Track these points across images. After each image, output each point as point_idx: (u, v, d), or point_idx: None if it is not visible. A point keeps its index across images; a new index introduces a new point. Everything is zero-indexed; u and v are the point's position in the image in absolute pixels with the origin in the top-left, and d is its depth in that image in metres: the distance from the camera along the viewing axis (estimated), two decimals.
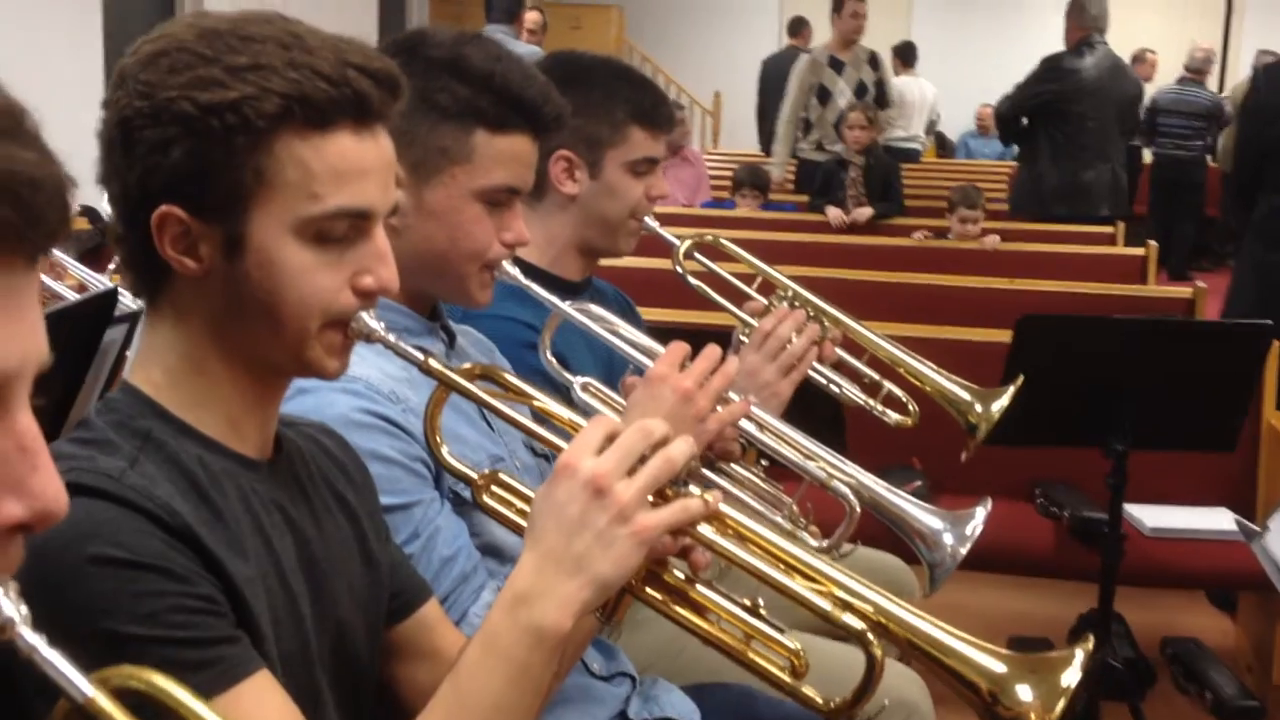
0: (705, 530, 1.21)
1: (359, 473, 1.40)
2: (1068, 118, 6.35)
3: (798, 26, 10.33)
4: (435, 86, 1.63)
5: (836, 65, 7.30)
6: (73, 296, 2.33)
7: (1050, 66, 6.47)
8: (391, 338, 1.25)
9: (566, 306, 1.75)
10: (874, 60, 7.38)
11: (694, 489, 1.22)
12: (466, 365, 1.35)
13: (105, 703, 0.67)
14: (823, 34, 8.61)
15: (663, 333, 2.28)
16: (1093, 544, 3.18)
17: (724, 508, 1.25)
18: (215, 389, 1.20)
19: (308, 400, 1.49)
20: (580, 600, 1.14)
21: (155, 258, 1.15)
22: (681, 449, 1.18)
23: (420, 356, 1.28)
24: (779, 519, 1.71)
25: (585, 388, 1.73)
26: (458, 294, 1.71)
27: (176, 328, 1.19)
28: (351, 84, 1.13)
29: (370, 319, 1.22)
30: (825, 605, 1.22)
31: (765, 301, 2.12)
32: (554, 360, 1.78)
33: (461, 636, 1.43)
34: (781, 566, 1.26)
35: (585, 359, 2.00)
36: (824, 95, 7.28)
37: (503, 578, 1.59)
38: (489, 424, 1.71)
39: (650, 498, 1.17)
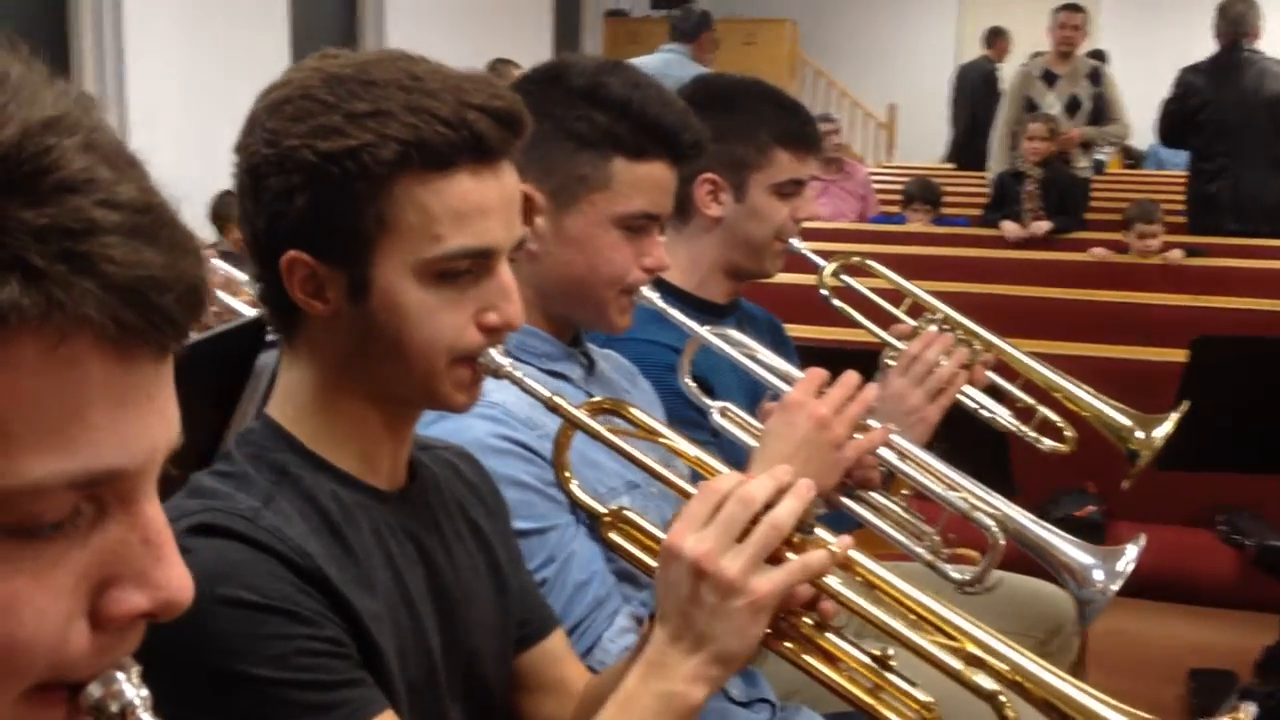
0: (832, 581, 1.20)
1: (492, 497, 1.42)
2: (1215, 128, 6.06)
3: (993, 37, 10.24)
4: (574, 115, 1.65)
5: (1049, 78, 7.10)
6: (249, 312, 2.43)
7: (1179, 81, 6.22)
8: (518, 374, 1.25)
9: (704, 331, 1.75)
10: (1095, 75, 7.12)
11: (825, 534, 1.21)
12: (594, 399, 1.36)
13: None
14: (1023, 45, 8.46)
15: (811, 351, 2.27)
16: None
17: (855, 555, 1.23)
18: (347, 424, 1.22)
19: (446, 425, 1.52)
20: (707, 676, 1.15)
21: (287, 299, 1.18)
22: (789, 509, 1.16)
23: (546, 393, 1.28)
24: (921, 550, 1.67)
25: (723, 413, 1.73)
26: (597, 319, 1.72)
27: (310, 364, 1.22)
28: (470, 126, 1.14)
29: (498, 355, 1.23)
30: (955, 664, 1.19)
31: (913, 324, 2.08)
32: (693, 384, 1.78)
33: (586, 672, 1.44)
34: (913, 618, 1.23)
35: (730, 382, 1.99)
36: (1030, 108, 7.10)
37: (637, 603, 1.60)
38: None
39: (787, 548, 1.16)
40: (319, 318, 1.19)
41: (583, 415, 1.29)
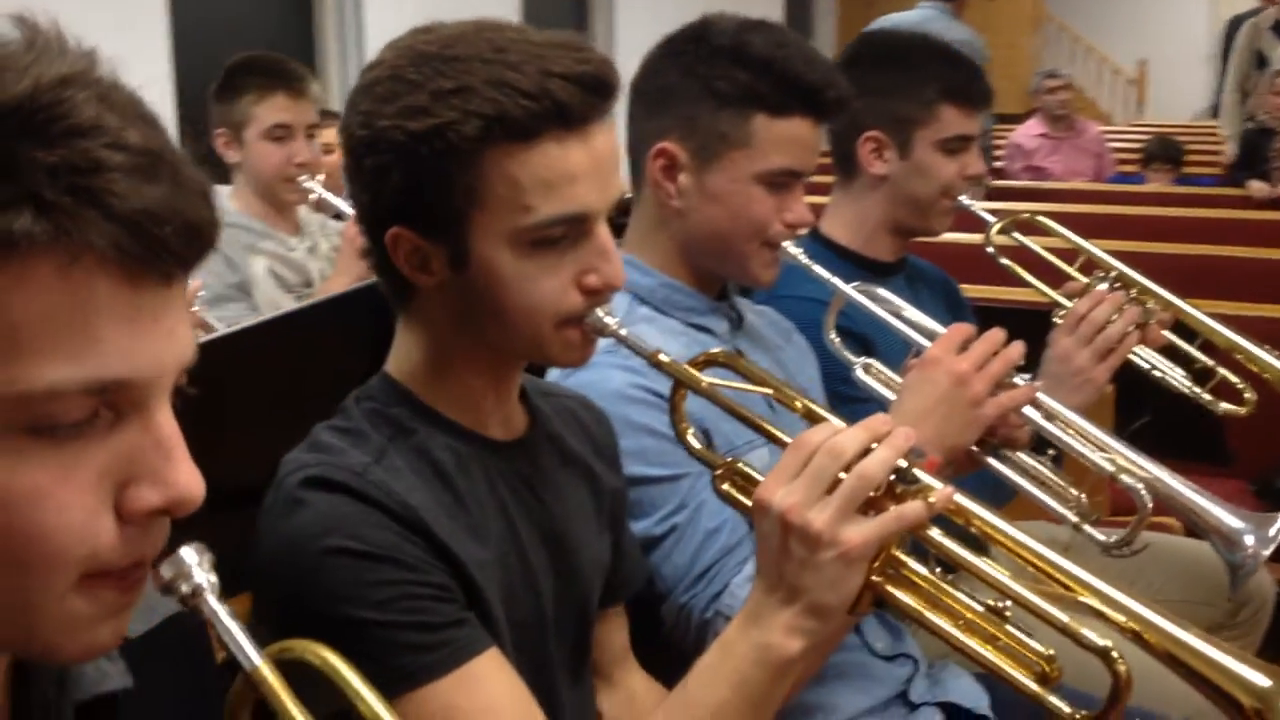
0: (934, 533, 1.19)
1: (610, 450, 1.47)
2: None
3: None
4: (717, 73, 1.67)
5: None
6: None
7: None
8: (624, 332, 1.27)
9: (848, 288, 1.75)
10: None
11: (931, 483, 1.20)
12: (706, 351, 1.38)
13: (268, 673, 0.75)
14: None
15: (986, 311, 2.24)
16: None
17: (965, 503, 1.22)
18: (460, 381, 1.28)
19: (586, 374, 1.56)
20: (803, 628, 1.15)
21: (396, 271, 1.24)
22: (880, 460, 1.15)
23: (649, 349, 1.30)
24: (1066, 512, 1.64)
25: (866, 369, 1.74)
26: (741, 273, 1.75)
27: (422, 329, 1.28)
28: (552, 95, 1.16)
29: (604, 315, 1.25)
30: (1062, 618, 1.15)
31: (1085, 281, 2.02)
32: (837, 340, 1.79)
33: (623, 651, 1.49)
34: (1029, 569, 1.22)
35: (894, 339, 1.98)
36: (1260, 63, 6.69)
37: None
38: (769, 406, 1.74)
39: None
40: (427, 287, 1.24)
41: (688, 369, 1.32)
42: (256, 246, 2.81)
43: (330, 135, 3.91)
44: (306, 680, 0.79)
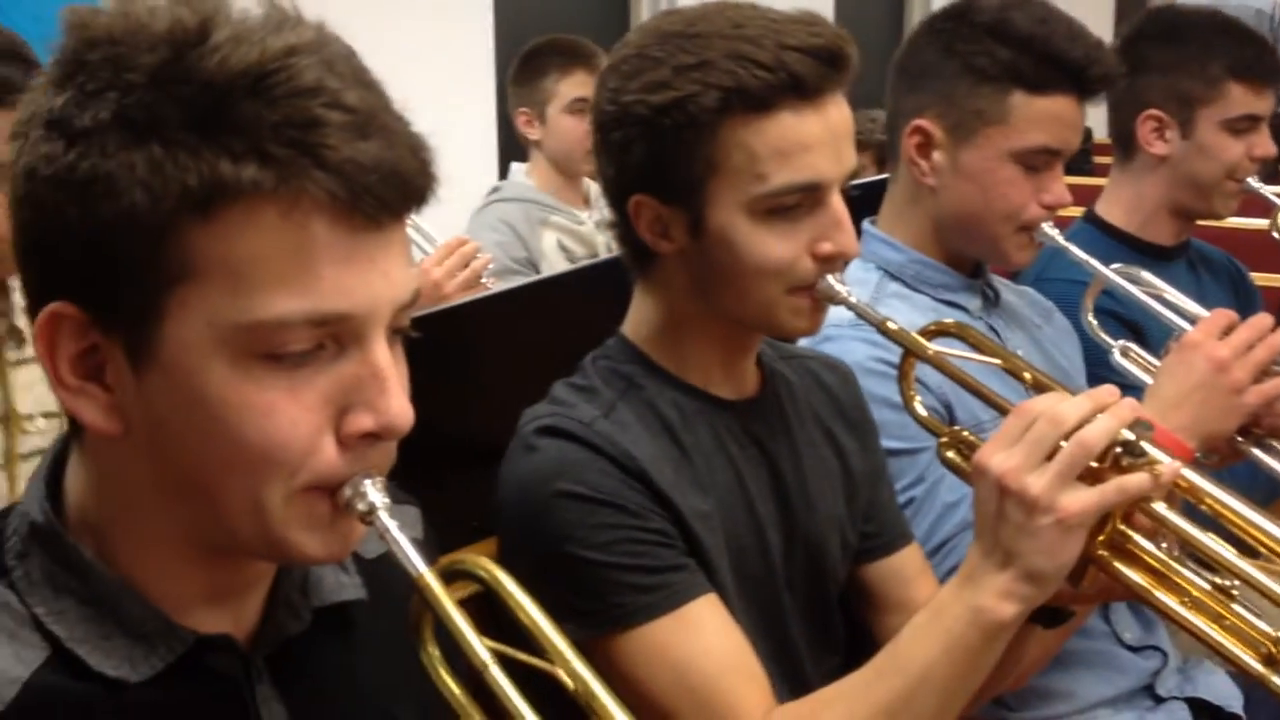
0: (1159, 507, 1.17)
1: (855, 409, 1.50)
2: None
3: None
4: (976, 50, 1.67)
5: None
6: None
7: None
8: (854, 299, 1.30)
9: (1107, 270, 1.71)
10: None
11: (1159, 457, 1.18)
12: (937, 321, 1.40)
13: (431, 580, 0.83)
14: None
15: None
16: None
17: (1193, 478, 1.20)
18: (692, 343, 1.35)
19: (830, 346, 1.61)
20: (1016, 592, 1.15)
21: (638, 238, 1.32)
22: (1101, 428, 1.13)
23: (879, 318, 1.33)
24: None
25: (1124, 352, 1.71)
26: (992, 254, 1.74)
27: (659, 293, 1.35)
28: (788, 67, 1.21)
29: (835, 282, 1.29)
30: None
31: None
32: (1095, 323, 1.75)
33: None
34: (1263, 549, 1.18)
35: (1166, 326, 1.92)
36: None
37: None
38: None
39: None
40: (666, 254, 1.31)
41: (914, 336, 1.34)
42: (548, 220, 2.97)
43: None
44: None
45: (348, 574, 0.97)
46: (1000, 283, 1.84)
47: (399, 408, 0.81)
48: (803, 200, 1.26)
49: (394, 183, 0.78)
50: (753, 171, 1.24)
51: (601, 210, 3.08)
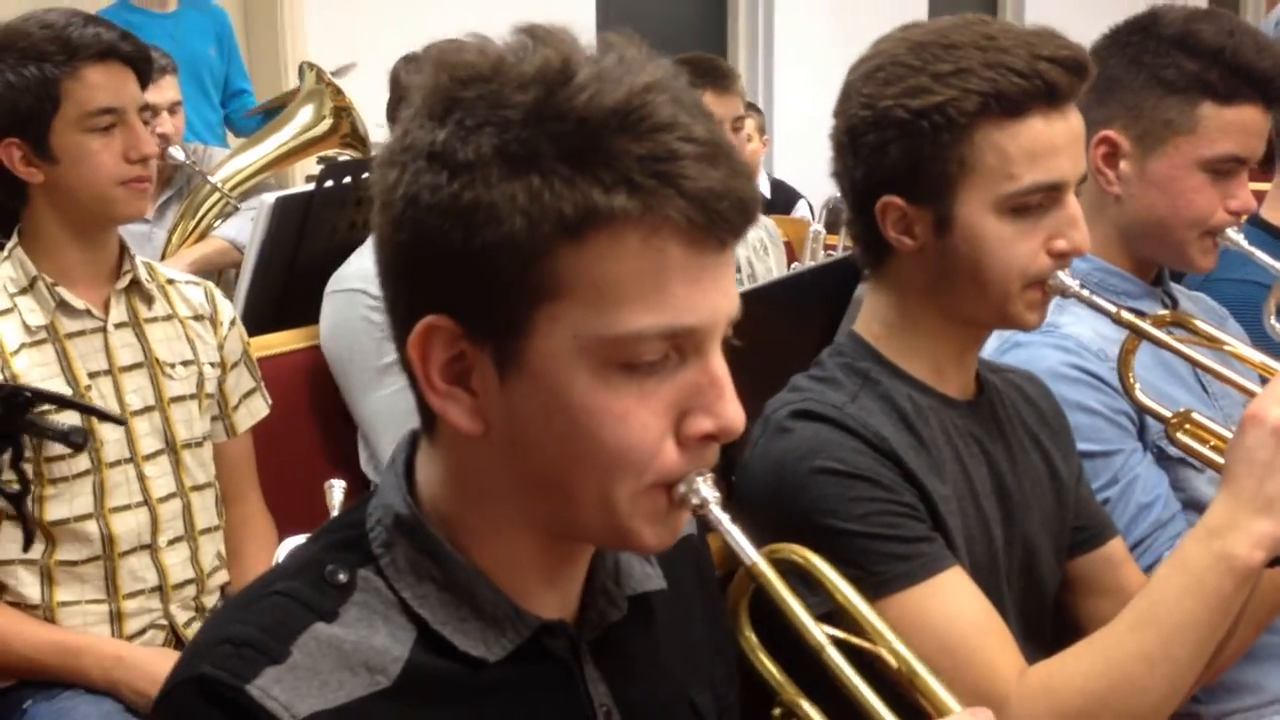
0: None
1: (1056, 418, 1.57)
2: None
3: None
4: (1164, 62, 1.72)
5: None
6: None
7: None
8: (1085, 292, 1.39)
9: None
10: None
11: None
12: (1158, 313, 1.46)
13: (765, 568, 0.91)
14: None
15: None
16: None
17: None
18: (924, 340, 1.43)
19: (1021, 353, 1.67)
20: (1271, 537, 1.23)
21: (879, 237, 1.39)
22: None
23: (1112, 308, 1.41)
24: None
25: None
26: (1178, 260, 1.79)
27: (895, 291, 1.43)
28: (1042, 75, 1.30)
29: (1065, 276, 1.38)
30: None
31: None
32: (1277, 326, 1.79)
33: (1145, 578, 1.54)
34: None
35: None
36: None
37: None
38: (1204, 389, 1.77)
39: None
40: (907, 253, 1.39)
41: (1146, 325, 1.41)
42: None
43: (750, 126, 4.15)
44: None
45: (651, 565, 1.05)
46: (1177, 290, 1.88)
47: (734, 411, 0.89)
48: (1044, 199, 1.34)
49: (740, 207, 0.86)
50: (1004, 171, 1.32)
51: None
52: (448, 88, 0.86)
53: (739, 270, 3.08)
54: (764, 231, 3.47)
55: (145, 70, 1.97)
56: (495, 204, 0.83)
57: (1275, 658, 1.74)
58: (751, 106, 3.50)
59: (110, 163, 1.91)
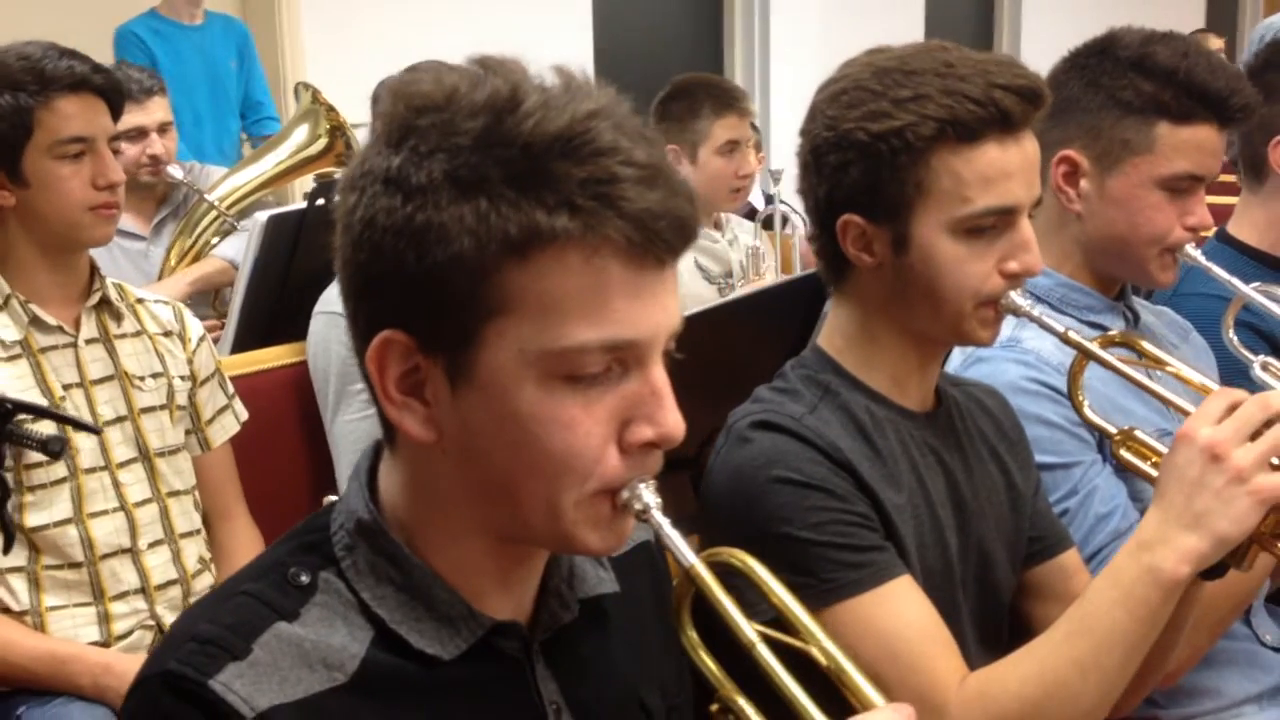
0: None
1: (1014, 431, 1.61)
2: None
3: None
4: (1121, 84, 1.77)
5: None
6: None
7: None
8: (1036, 312, 1.43)
9: (1247, 288, 1.80)
10: None
11: None
12: (1108, 333, 1.51)
13: (702, 570, 0.96)
14: None
15: None
16: None
17: None
18: (883, 354, 1.47)
19: (983, 367, 1.72)
20: (1197, 552, 1.27)
21: (840, 253, 1.44)
22: None
23: (1060, 329, 1.45)
24: None
25: (1265, 366, 1.79)
26: (1139, 275, 1.84)
27: (855, 306, 1.48)
28: (997, 103, 1.34)
29: (1018, 296, 1.42)
30: None
31: None
32: (1235, 340, 1.84)
33: None
34: None
35: None
36: None
37: None
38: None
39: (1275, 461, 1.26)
40: (866, 269, 1.44)
41: (1092, 346, 1.45)
42: None
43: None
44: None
45: (605, 569, 1.10)
46: (1139, 304, 1.93)
47: (674, 420, 0.94)
48: (997, 222, 1.39)
49: (677, 227, 0.91)
50: (959, 195, 1.37)
51: (733, 231, 3.22)
52: (404, 116, 0.92)
53: (730, 275, 3.14)
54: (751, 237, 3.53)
55: (117, 101, 2.07)
56: (445, 225, 0.88)
57: (1233, 663, 1.79)
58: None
59: (79, 189, 2.00)
